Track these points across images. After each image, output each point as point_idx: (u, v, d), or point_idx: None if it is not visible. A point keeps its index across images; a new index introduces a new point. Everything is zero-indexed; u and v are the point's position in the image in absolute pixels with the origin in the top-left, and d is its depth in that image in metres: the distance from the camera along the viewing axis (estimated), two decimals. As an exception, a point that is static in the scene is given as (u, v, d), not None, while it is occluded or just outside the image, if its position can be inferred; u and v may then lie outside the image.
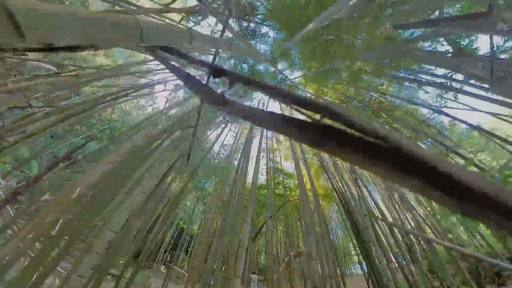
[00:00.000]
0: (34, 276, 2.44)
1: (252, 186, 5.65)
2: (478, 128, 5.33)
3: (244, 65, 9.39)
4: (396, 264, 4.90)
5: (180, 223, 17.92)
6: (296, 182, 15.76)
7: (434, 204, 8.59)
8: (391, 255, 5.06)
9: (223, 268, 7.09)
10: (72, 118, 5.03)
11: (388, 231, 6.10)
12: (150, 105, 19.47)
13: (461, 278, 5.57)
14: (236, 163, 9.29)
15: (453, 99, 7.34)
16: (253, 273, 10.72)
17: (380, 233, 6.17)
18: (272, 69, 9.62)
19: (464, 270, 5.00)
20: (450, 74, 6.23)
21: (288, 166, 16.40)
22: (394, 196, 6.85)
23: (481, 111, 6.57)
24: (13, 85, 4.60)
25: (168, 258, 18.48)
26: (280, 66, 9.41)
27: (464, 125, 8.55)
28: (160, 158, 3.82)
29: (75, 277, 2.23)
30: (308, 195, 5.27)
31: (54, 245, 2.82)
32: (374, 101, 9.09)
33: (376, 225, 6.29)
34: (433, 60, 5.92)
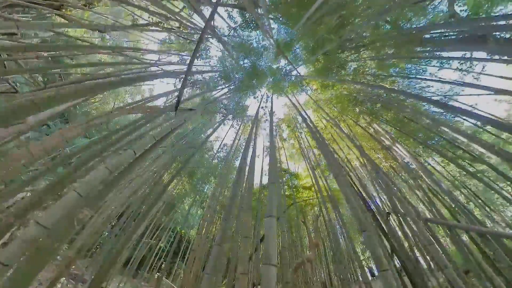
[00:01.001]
0: None
1: (269, 181, 4.71)
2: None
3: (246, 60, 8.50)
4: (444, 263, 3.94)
5: (178, 228, 16.81)
6: (301, 182, 14.86)
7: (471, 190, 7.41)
8: (430, 253, 4.12)
9: (224, 282, 6.09)
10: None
11: (422, 226, 5.17)
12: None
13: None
14: (238, 162, 8.38)
15: (476, 80, 6.44)
16: (256, 286, 9.70)
17: (409, 230, 5.24)
18: (276, 64, 8.81)
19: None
20: (469, 55, 5.42)
21: (290, 165, 15.53)
22: (423, 185, 5.90)
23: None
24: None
25: (163, 265, 17.31)
26: (284, 59, 8.57)
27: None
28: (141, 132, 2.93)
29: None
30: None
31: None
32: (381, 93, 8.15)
33: (403, 221, 5.36)
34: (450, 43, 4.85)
